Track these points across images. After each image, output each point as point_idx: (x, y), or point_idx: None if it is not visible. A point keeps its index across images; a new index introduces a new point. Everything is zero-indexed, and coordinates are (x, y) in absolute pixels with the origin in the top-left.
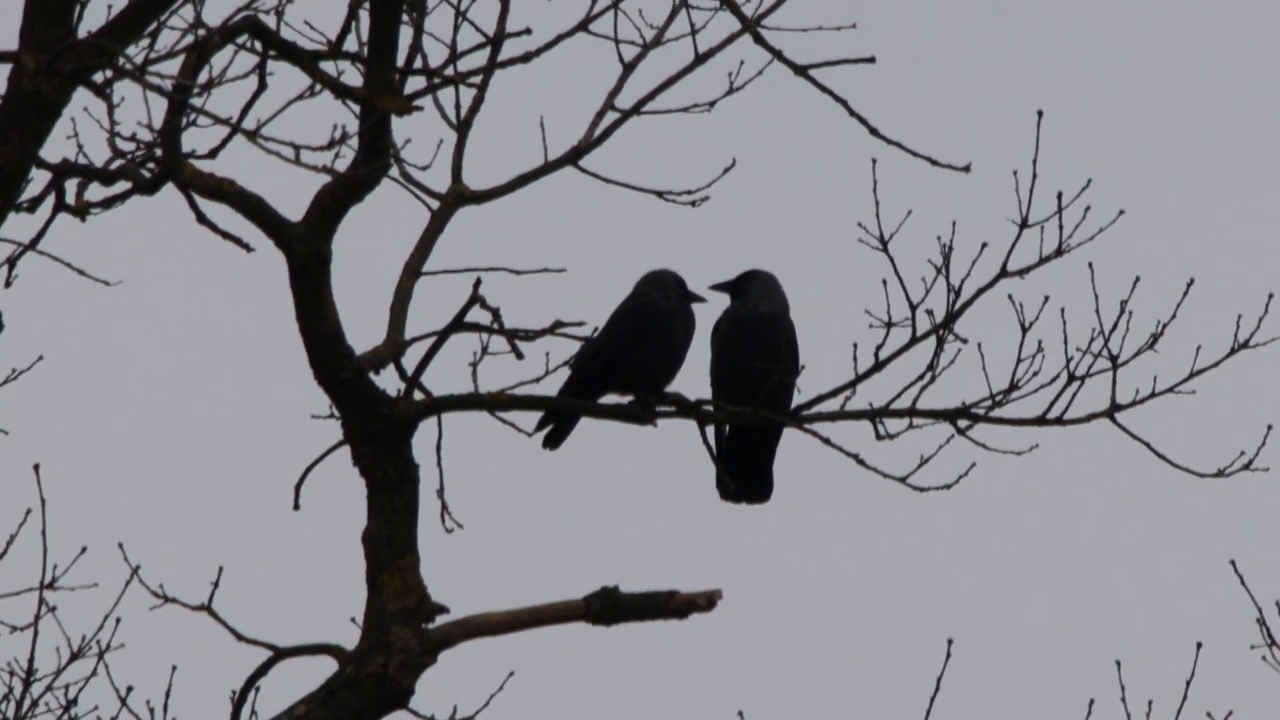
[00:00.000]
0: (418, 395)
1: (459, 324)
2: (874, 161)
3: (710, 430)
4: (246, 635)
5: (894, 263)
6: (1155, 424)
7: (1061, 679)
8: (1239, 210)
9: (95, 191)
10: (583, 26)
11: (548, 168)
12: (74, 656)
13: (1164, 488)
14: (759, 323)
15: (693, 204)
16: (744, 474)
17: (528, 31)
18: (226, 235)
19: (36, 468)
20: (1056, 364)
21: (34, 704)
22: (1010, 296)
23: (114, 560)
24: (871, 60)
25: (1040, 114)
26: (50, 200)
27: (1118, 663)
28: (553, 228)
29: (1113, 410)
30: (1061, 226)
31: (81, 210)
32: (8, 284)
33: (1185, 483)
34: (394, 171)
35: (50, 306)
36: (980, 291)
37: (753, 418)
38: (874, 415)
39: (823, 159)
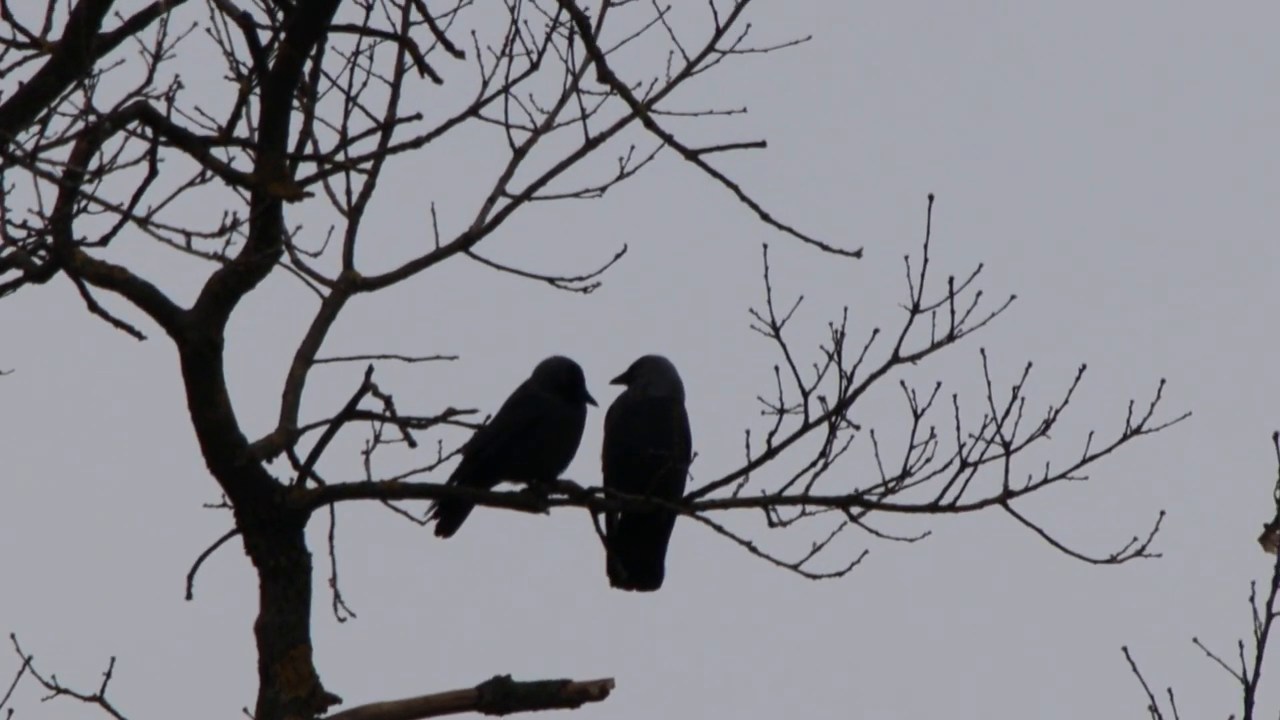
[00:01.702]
0: (310, 484)
1: (351, 412)
2: (765, 247)
3: (602, 518)
4: None
5: (786, 349)
6: (1048, 510)
7: None
8: (1131, 295)
9: None
10: (473, 111)
11: (439, 254)
12: None
13: (1057, 574)
14: (648, 408)
15: (584, 290)
16: (636, 561)
17: (418, 117)
18: (118, 323)
19: None
20: (949, 450)
21: None
22: (903, 382)
23: (6, 651)
24: (762, 145)
25: (931, 198)
26: None
27: None
28: (444, 314)
29: (1005, 496)
30: (953, 311)
31: None
32: None
33: (1078, 569)
34: (285, 258)
35: None
36: (873, 377)
37: (645, 505)
38: (766, 502)
39: (714, 244)
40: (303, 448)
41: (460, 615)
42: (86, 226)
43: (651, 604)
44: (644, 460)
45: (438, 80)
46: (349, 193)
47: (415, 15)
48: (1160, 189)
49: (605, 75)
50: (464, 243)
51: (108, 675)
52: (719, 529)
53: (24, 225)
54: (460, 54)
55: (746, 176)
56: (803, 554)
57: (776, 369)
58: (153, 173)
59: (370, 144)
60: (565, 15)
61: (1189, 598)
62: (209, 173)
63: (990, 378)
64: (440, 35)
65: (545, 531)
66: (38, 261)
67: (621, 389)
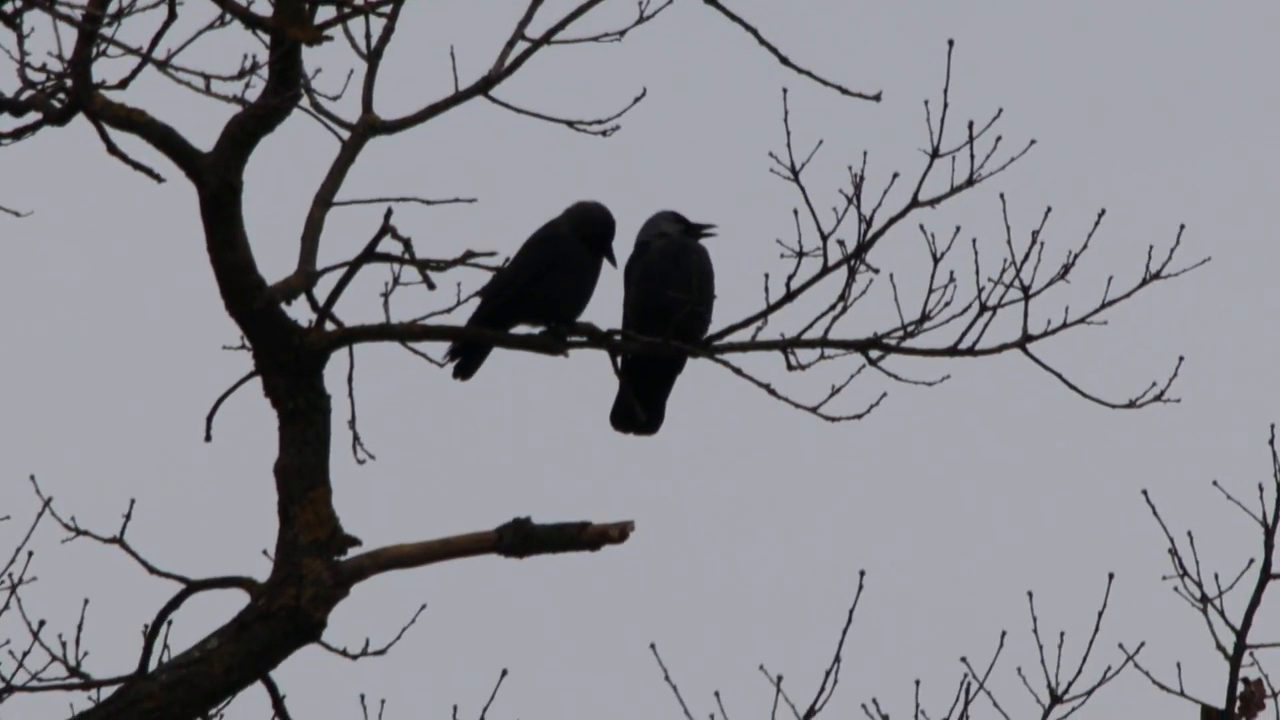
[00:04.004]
0: (329, 326)
1: (370, 254)
2: (784, 90)
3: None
4: (159, 568)
5: (805, 192)
6: (1067, 355)
7: (973, 610)
8: (1150, 140)
9: (5, 122)
10: None
11: (458, 98)
12: None
13: (1076, 418)
14: (676, 251)
15: (603, 133)
16: (643, 403)
17: None
18: (137, 166)
19: None
20: (968, 294)
21: None
22: (922, 226)
23: (26, 493)
24: None
25: (951, 43)
26: None
27: (1029, 593)
28: (463, 158)
29: (1024, 340)
30: (973, 156)
31: None
32: None
33: (1097, 413)
34: (304, 102)
35: None
36: (892, 221)
37: (665, 348)
38: (785, 345)
39: (733, 88)
40: (321, 290)
41: (479, 458)
42: (105, 70)
43: (671, 447)
44: (664, 303)
45: None
46: (368, 36)
47: None
48: (1181, 32)
49: None
50: (483, 86)
51: (127, 517)
52: (738, 371)
53: (43, 68)
54: None
55: (765, 20)
56: (821, 397)
57: (795, 212)
58: (171, 16)
59: None
60: None
61: (1208, 442)
62: (228, 16)
63: (1009, 222)
64: None
65: (564, 373)
66: (57, 104)
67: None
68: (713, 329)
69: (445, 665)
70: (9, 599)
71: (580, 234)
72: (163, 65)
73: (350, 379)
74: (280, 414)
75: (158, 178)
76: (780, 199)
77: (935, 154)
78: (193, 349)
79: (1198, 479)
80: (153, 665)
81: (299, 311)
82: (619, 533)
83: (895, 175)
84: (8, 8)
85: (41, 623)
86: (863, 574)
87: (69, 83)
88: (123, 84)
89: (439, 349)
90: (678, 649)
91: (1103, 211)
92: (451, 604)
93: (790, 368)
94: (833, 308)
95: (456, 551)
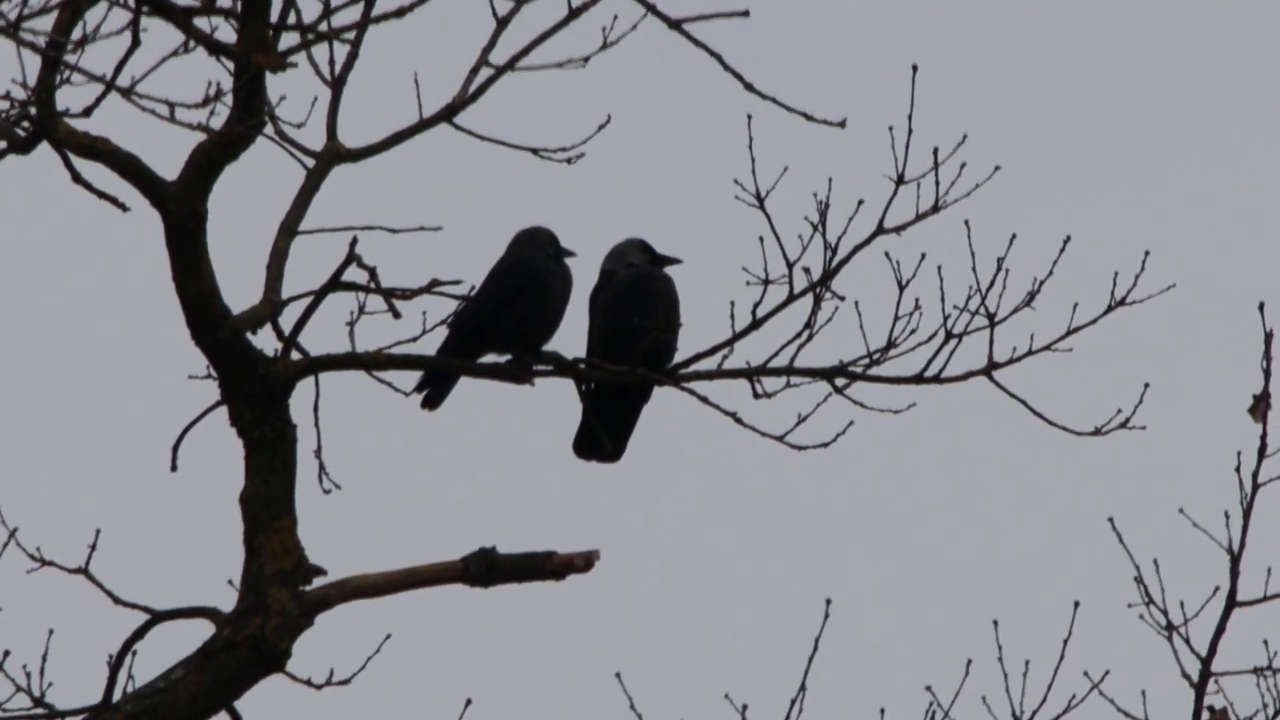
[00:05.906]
0: (295, 355)
1: (336, 283)
2: (749, 117)
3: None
4: (124, 598)
5: (770, 220)
6: (1032, 382)
7: (939, 639)
8: (1115, 166)
9: None
10: None
11: (422, 125)
12: None
13: (1041, 446)
14: (643, 281)
15: (568, 161)
16: (608, 432)
17: None
18: (102, 194)
19: None
20: (934, 322)
21: None
22: (887, 254)
23: None
24: (745, 14)
25: (915, 69)
26: None
27: (995, 622)
28: (428, 186)
29: (990, 368)
30: (938, 183)
31: None
32: None
33: (1063, 441)
34: (269, 129)
35: None
36: (857, 249)
37: (631, 377)
38: (751, 374)
39: (698, 115)
40: (287, 319)
41: (444, 487)
42: (69, 98)
43: (637, 475)
44: (631, 331)
45: None
46: (332, 63)
47: None
48: (1145, 57)
49: None
50: (447, 114)
51: (92, 547)
52: (704, 400)
53: (7, 96)
54: None
55: (730, 47)
56: (787, 426)
57: (761, 240)
58: (135, 43)
59: (353, 14)
60: None
61: (1174, 469)
62: (192, 43)
63: (974, 249)
64: None
65: (530, 402)
66: (21, 133)
67: (595, 254)
68: (678, 357)
69: (410, 695)
70: None
71: (546, 254)
72: (127, 93)
73: (316, 408)
74: (246, 443)
75: (122, 206)
76: (746, 226)
77: (900, 180)
78: (158, 378)
79: (1163, 506)
80: (117, 696)
81: (264, 341)
82: (584, 562)
83: (860, 202)
84: None
85: (6, 653)
86: (829, 602)
87: (33, 110)
88: (86, 112)
89: (405, 378)
90: (643, 678)
91: (1068, 238)
92: (417, 634)
93: (756, 396)
94: (798, 336)
95: (422, 581)
